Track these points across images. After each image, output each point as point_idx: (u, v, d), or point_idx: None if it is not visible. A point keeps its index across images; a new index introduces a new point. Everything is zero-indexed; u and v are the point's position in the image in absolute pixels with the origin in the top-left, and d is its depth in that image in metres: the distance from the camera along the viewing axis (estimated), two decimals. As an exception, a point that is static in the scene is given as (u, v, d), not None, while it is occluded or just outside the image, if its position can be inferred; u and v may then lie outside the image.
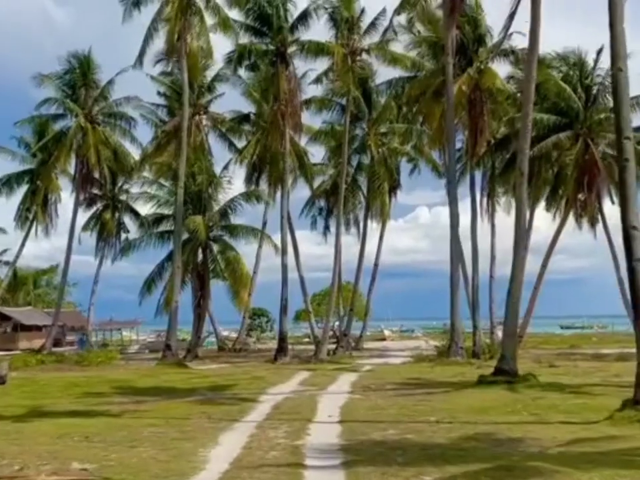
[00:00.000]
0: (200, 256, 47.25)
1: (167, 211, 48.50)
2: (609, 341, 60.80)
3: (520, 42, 40.64)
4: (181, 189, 39.54)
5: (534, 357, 38.61)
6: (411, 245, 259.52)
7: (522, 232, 23.82)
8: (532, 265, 52.15)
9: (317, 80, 45.38)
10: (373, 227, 55.33)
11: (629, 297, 52.65)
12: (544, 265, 42.64)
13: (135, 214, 58.80)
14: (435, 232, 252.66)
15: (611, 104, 41.61)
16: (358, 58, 44.42)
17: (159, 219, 48.93)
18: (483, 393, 21.31)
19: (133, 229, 58.55)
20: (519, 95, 40.37)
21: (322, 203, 58.49)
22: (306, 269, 50.97)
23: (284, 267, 42.83)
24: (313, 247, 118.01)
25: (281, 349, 41.65)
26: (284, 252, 43.10)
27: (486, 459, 12.13)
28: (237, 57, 42.45)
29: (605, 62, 40.52)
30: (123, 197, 60.45)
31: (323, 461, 12.42)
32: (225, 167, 50.98)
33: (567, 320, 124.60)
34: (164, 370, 33.75)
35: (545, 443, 13.40)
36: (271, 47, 42.53)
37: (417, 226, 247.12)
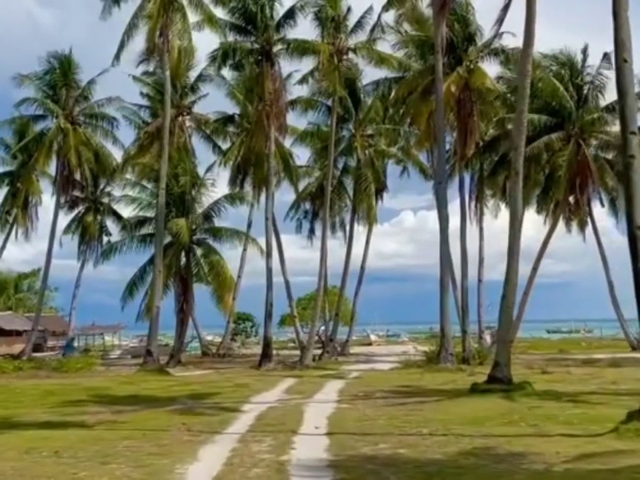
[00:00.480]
0: (183, 259, 46.11)
1: (149, 213, 47.40)
2: (598, 346, 60.20)
3: (510, 42, 40.15)
4: (162, 190, 38.43)
5: (524, 362, 37.72)
6: (396, 249, 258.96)
7: (517, 234, 22.93)
8: (521, 268, 51.55)
9: (303, 80, 44.46)
10: (359, 230, 54.48)
11: (619, 300, 52.91)
12: (534, 268, 41.82)
13: (117, 217, 57.77)
14: (420, 236, 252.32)
15: (602, 103, 41.32)
16: (344, 57, 43.50)
17: (141, 222, 47.82)
18: (476, 402, 20.36)
19: (115, 232, 57.64)
20: (509, 95, 39.65)
21: (307, 205, 57.59)
22: (291, 273, 50.25)
23: (269, 271, 41.85)
24: (298, 251, 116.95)
25: (266, 355, 40.63)
26: (269, 255, 42.13)
27: (487, 477, 11.20)
28: (221, 56, 41.45)
29: (594, 61, 40.02)
30: (105, 200, 59.46)
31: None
32: (209, 169, 49.96)
33: (553, 324, 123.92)
34: (144, 377, 32.66)
35: (548, 458, 12.47)
36: (256, 46, 41.59)
37: (402, 230, 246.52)
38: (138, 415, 19.92)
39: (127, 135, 55.55)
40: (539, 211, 45.09)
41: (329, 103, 47.73)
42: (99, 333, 75.48)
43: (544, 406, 19.35)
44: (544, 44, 39.81)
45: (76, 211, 60.20)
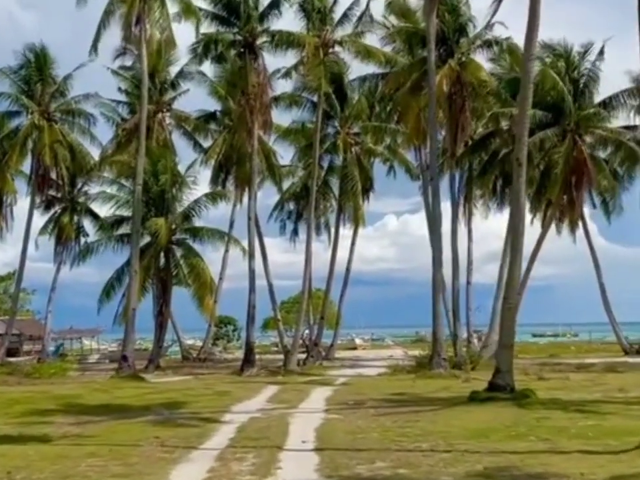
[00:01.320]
0: (162, 260, 44.37)
1: (127, 212, 45.49)
2: (588, 350, 59.06)
3: (503, 33, 38.73)
4: (139, 187, 36.51)
5: (518, 368, 36.12)
6: (379, 253, 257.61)
7: (520, 229, 21.30)
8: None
9: (287, 74, 42.76)
10: (344, 232, 52.84)
11: (611, 303, 51.56)
12: (528, 270, 40.22)
13: (95, 217, 55.81)
14: (403, 240, 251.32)
15: (600, 98, 39.86)
16: (330, 50, 41.98)
17: (118, 221, 45.92)
18: (477, 412, 18.72)
19: (92, 233, 55.63)
20: (502, 89, 38.15)
21: (291, 206, 56.00)
22: (274, 276, 48.54)
23: (251, 272, 40.13)
24: (281, 254, 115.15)
25: (248, 360, 38.87)
26: (251, 256, 40.40)
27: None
28: (203, 48, 39.78)
29: (592, 54, 38.54)
30: (82, 200, 57.42)
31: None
32: (190, 167, 48.05)
33: (538, 328, 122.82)
34: (118, 384, 30.77)
35: (574, 482, 10.86)
36: (239, 37, 39.92)
37: (385, 234, 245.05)
38: (107, 426, 18.19)
39: (104, 132, 53.79)
40: (534, 211, 43.58)
41: (314, 98, 46.21)
42: (76, 337, 73.37)
43: (551, 417, 17.76)
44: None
45: (52, 212, 58.20)
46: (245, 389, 27.74)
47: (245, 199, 46.25)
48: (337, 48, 42.36)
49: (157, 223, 41.32)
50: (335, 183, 52.18)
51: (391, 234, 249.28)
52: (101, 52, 43.67)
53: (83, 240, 57.13)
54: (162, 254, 44.04)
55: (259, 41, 40.40)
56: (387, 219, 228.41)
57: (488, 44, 38.90)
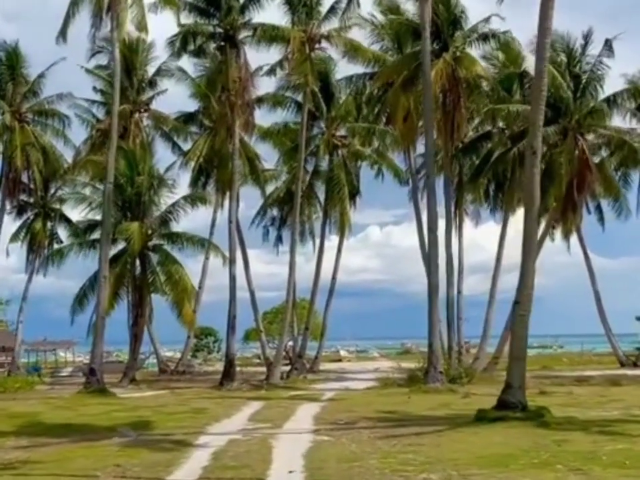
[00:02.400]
0: (138, 268, 41.86)
1: (100, 216, 43.03)
2: (580, 362, 57.04)
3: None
4: (110, 185, 33.83)
5: (498, 378, 34.21)
6: (361, 264, 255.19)
7: (534, 226, 19.03)
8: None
9: (271, 71, 40.43)
10: (329, 242, 50.51)
11: (607, 313, 49.46)
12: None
13: (70, 223, 53.24)
14: (386, 251, 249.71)
15: (602, 95, 37.74)
16: (317, 46, 39.78)
17: (92, 226, 43.25)
18: (488, 433, 16.36)
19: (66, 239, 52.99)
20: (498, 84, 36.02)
21: (275, 212, 53.73)
22: (256, 288, 46.48)
23: (232, 279, 37.69)
24: (263, 265, 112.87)
25: (228, 373, 36.42)
26: (232, 262, 37.95)
27: None
28: (181, 41, 37.48)
29: (595, 49, 36.39)
30: (57, 205, 54.76)
31: None
32: (168, 169, 45.40)
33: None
34: (84, 400, 28.11)
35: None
36: (219, 30, 37.62)
37: (368, 245, 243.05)
38: (64, 451, 15.78)
39: (79, 134, 51.41)
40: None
41: (299, 98, 44.03)
42: (50, 349, 70.69)
43: (573, 439, 15.48)
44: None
45: (25, 217, 55.62)
46: (224, 405, 25.26)
47: (227, 203, 43.80)
48: (324, 43, 40.09)
49: (129, 228, 38.82)
50: (320, 188, 49.99)
51: (374, 245, 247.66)
52: (75, 51, 41.67)
53: (56, 247, 54.74)
54: (137, 260, 41.55)
55: (240, 35, 38.13)
56: (370, 230, 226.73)
57: (484, 37, 36.68)
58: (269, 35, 37.55)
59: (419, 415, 20.71)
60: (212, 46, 37.99)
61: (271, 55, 39.91)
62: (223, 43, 37.49)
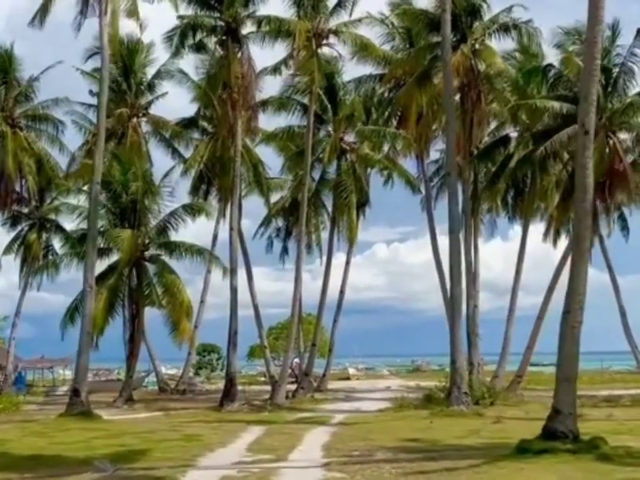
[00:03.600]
0: (134, 279, 39.17)
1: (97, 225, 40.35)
2: (602, 380, 54.20)
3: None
4: (97, 185, 30.92)
5: (540, 400, 31.38)
6: (368, 281, 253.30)
7: (584, 227, 16.11)
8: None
9: (275, 69, 37.79)
10: (337, 255, 47.78)
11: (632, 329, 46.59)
12: (550, 289, 35.15)
13: (65, 234, 50.56)
14: (391, 269, 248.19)
15: (635, 89, 34.96)
16: (324, 42, 37.14)
17: (85, 235, 40.48)
18: (537, 470, 13.49)
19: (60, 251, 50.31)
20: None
21: (279, 222, 51.12)
22: (261, 305, 43.79)
23: (233, 290, 34.80)
24: (269, 282, 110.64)
25: (229, 393, 33.50)
26: (233, 271, 35.05)
27: None
28: (179, 35, 34.83)
29: (626, 40, 33.57)
30: (52, 216, 52.03)
31: None
32: (166, 175, 42.55)
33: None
34: (65, 424, 25.09)
35: None
36: (220, 23, 34.95)
37: (374, 262, 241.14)
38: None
39: (75, 141, 48.91)
40: (557, 226, 38.84)
41: (305, 100, 41.40)
42: (47, 367, 68.01)
43: (641, 477, 12.66)
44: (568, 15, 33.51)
45: (19, 228, 52.99)
46: (221, 431, 22.32)
47: (229, 212, 41.02)
48: (332, 39, 37.46)
49: (121, 235, 36.13)
50: (327, 196, 47.27)
51: (380, 263, 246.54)
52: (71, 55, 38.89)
53: (52, 259, 52.14)
54: (133, 272, 38.90)
55: (244, 30, 35.51)
56: (376, 248, 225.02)
57: (505, 28, 33.92)
58: (274, 28, 34.89)
59: (447, 444, 17.80)
60: (213, 40, 35.31)
61: (276, 53, 37.52)
62: (224, 37, 34.79)
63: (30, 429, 23.38)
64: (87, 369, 30.42)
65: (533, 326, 37.09)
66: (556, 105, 31.99)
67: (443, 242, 36.08)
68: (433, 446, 17.60)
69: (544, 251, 49.25)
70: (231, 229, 35.54)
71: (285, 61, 37.39)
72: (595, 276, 48.84)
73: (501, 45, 35.84)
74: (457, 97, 33.58)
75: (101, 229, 39.34)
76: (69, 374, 67.40)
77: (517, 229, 47.40)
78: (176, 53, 36.10)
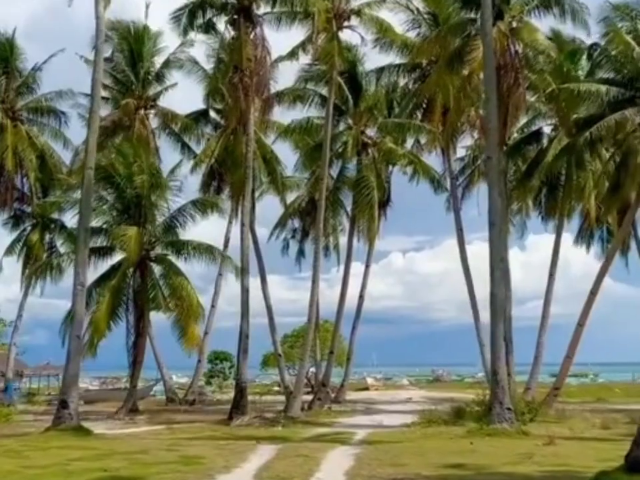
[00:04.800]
0: (138, 280, 36.36)
1: (99, 222, 37.57)
2: (637, 392, 51.04)
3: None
4: (89, 170, 27.66)
5: (578, 414, 28.47)
6: (384, 290, 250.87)
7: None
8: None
9: (292, 54, 34.88)
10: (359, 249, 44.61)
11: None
12: (593, 293, 31.95)
13: (70, 234, 47.78)
14: (407, 278, 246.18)
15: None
16: (345, 23, 34.26)
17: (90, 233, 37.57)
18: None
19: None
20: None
21: (295, 223, 48.21)
22: (276, 314, 40.87)
23: (244, 291, 31.75)
24: (285, 291, 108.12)
25: (238, 405, 30.40)
26: (244, 271, 32.02)
27: None
28: (188, 15, 32.02)
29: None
30: (56, 215, 49.16)
31: None
32: (174, 169, 39.52)
33: (554, 368, 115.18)
34: (48, 441, 21.82)
35: None
36: (232, 0, 32.11)
37: (390, 272, 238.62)
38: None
39: (80, 136, 46.14)
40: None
41: (323, 91, 38.60)
42: (54, 374, 65.36)
43: None
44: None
45: (21, 228, 50.30)
46: (227, 451, 19.12)
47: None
48: (353, 21, 34.60)
49: (126, 233, 33.26)
50: (346, 196, 44.19)
51: (396, 272, 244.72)
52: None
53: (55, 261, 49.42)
54: (137, 272, 36.09)
55: (258, 10, 32.65)
56: (392, 257, 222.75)
57: (546, 4, 30.72)
58: (291, 8, 31.98)
59: (498, 472, 14.65)
60: (224, 20, 32.45)
61: (292, 38, 34.69)
62: (236, 16, 31.94)
63: (6, 447, 20.26)
64: (76, 377, 27.28)
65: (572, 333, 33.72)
66: (601, 88, 28.88)
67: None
68: (483, 475, 14.49)
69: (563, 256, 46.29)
70: (242, 224, 32.55)
71: (302, 45, 34.46)
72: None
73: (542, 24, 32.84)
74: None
75: (104, 226, 37.10)
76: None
77: (534, 237, 44.67)
78: (184, 34, 33.15)
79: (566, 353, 32.74)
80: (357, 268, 46.86)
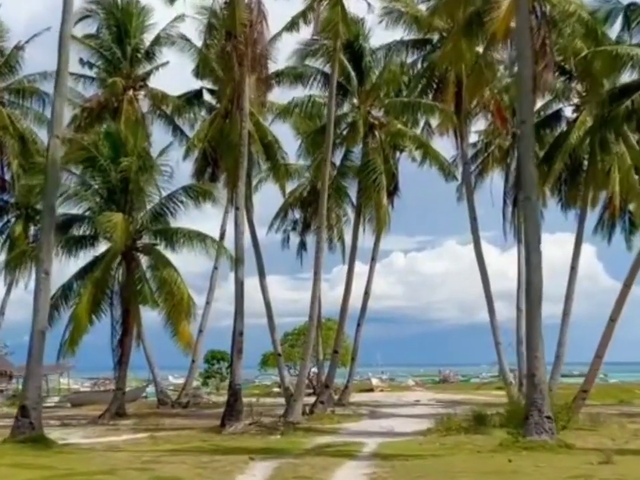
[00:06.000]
0: (124, 272, 33.40)
1: (82, 209, 34.58)
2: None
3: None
4: (56, 140, 24.10)
5: (612, 419, 25.54)
6: (385, 290, 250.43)
7: None
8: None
9: (292, 25, 31.73)
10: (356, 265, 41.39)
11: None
12: (627, 285, 28.73)
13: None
14: (409, 278, 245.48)
15: None
16: (350, -10, 31.09)
17: (69, 221, 34.45)
18: None
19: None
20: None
21: (296, 214, 45.36)
22: (276, 314, 38.34)
23: (238, 284, 28.45)
24: (285, 291, 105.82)
25: (232, 410, 27.01)
26: (238, 261, 28.80)
27: None
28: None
29: None
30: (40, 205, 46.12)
31: None
32: (164, 151, 36.15)
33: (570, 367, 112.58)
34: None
35: None
36: (222, -42, 29.02)
37: (391, 271, 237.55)
38: None
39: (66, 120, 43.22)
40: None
41: (325, 69, 35.55)
42: (43, 374, 62.57)
43: None
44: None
45: (5, 220, 47.37)
46: (209, 470, 15.52)
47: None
48: (358, -14, 31.43)
49: (111, 220, 30.22)
50: (351, 184, 41.10)
51: (397, 272, 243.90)
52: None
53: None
54: (123, 263, 33.07)
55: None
56: (393, 256, 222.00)
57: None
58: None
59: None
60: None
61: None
62: (227, -23, 28.84)
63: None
64: (39, 378, 24.16)
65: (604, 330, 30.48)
66: (640, 52, 25.69)
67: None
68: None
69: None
70: (237, 208, 29.39)
71: (303, 14, 31.33)
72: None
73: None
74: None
75: (86, 213, 34.10)
76: (64, 382, 62.43)
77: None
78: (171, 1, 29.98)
79: (595, 352, 29.52)
80: (360, 265, 44.06)
